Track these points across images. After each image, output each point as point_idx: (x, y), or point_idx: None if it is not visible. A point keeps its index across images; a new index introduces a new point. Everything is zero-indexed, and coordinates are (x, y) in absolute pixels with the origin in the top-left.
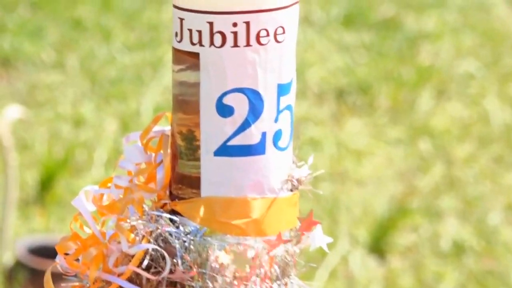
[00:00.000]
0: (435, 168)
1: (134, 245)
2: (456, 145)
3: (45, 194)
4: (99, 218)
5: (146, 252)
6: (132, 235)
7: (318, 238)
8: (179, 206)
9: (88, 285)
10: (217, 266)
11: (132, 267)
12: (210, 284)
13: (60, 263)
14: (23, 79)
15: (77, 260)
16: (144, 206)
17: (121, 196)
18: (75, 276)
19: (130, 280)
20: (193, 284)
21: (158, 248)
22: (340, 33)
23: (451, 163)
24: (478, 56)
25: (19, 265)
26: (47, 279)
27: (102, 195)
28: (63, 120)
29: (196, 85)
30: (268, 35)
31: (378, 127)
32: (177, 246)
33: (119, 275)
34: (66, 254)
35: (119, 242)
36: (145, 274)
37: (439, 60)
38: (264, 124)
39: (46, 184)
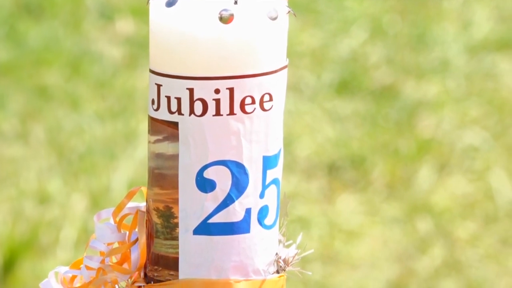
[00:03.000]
0: (435, 249)
1: None
2: (459, 224)
3: (7, 278)
4: None
5: None
6: None
7: None
8: None
9: None
10: None
11: None
12: None
13: None
14: None
15: None
16: None
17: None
18: None
19: None
20: None
21: None
22: (332, 102)
23: (453, 244)
24: (484, 127)
25: None
26: None
27: (74, 277)
28: (26, 196)
29: (174, 157)
30: (253, 102)
31: (372, 205)
32: None
33: None
34: None
35: None
36: None
37: (440, 131)
38: (249, 200)
39: (8, 266)
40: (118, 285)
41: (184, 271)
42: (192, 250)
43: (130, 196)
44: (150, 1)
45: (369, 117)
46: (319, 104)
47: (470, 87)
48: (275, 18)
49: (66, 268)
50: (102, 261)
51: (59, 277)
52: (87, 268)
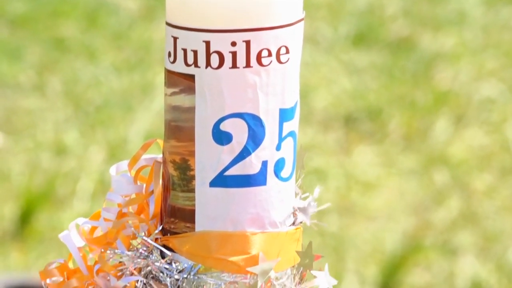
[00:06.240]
0: (452, 201)
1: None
2: (475, 176)
3: (24, 229)
4: (88, 254)
5: None
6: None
7: (324, 279)
8: (171, 241)
9: None
10: None
11: None
12: None
13: None
14: (0, 103)
15: None
16: (133, 241)
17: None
18: None
19: None
20: None
21: (151, 283)
22: (349, 54)
23: (470, 196)
24: (501, 79)
25: None
26: None
27: (93, 228)
28: (43, 148)
29: (191, 109)
30: (270, 55)
31: (389, 156)
32: (169, 284)
33: None
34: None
35: (104, 277)
36: None
37: (457, 83)
38: (265, 153)
39: (25, 218)
40: (137, 231)
41: (201, 223)
42: (208, 203)
43: (145, 147)
44: None
45: (386, 69)
46: (335, 56)
47: (487, 39)
48: None
49: (86, 220)
50: (120, 212)
51: (78, 228)
52: (105, 220)
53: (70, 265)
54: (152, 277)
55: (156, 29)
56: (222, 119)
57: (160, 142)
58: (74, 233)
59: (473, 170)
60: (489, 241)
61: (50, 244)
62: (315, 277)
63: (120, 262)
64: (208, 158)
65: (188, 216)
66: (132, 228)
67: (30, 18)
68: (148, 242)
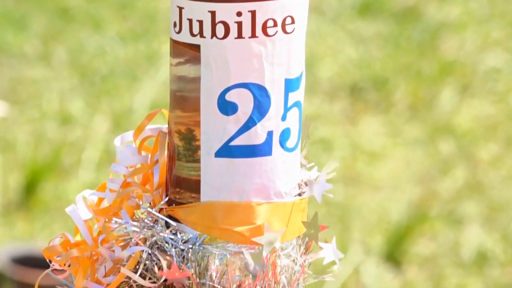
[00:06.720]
0: (457, 170)
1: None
2: (481, 146)
3: (29, 199)
4: (94, 225)
5: (139, 261)
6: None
7: (331, 251)
8: (176, 211)
9: None
10: (218, 276)
11: (124, 270)
12: None
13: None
14: (5, 73)
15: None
16: (138, 211)
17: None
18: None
19: None
20: None
21: (156, 253)
22: (355, 23)
23: (475, 166)
24: (506, 49)
25: (1, 276)
26: None
27: (101, 199)
28: (49, 118)
29: (196, 80)
30: (275, 25)
31: (395, 126)
32: (174, 255)
33: (108, 285)
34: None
35: (109, 248)
36: (139, 280)
37: (463, 52)
38: (271, 123)
39: (30, 187)
40: (141, 201)
41: (206, 193)
42: (213, 173)
43: (150, 117)
44: None
45: (392, 38)
46: (341, 26)
47: (492, 9)
48: None
49: (92, 191)
50: (124, 181)
51: (85, 201)
52: (111, 191)
53: (78, 238)
54: (157, 248)
55: None
56: (228, 89)
57: (165, 112)
58: (81, 206)
59: (479, 140)
60: (494, 211)
61: (55, 214)
62: (321, 248)
63: (124, 232)
64: (214, 129)
65: (193, 186)
66: (136, 199)
67: None
68: (152, 213)
